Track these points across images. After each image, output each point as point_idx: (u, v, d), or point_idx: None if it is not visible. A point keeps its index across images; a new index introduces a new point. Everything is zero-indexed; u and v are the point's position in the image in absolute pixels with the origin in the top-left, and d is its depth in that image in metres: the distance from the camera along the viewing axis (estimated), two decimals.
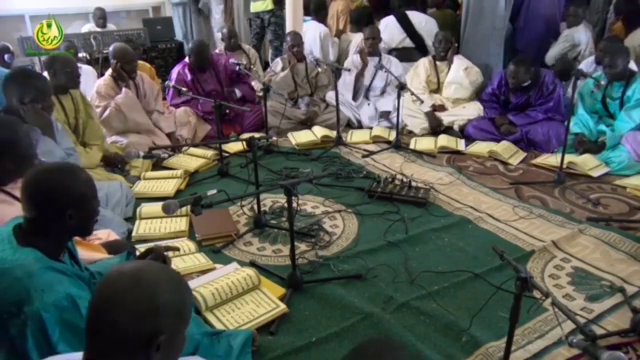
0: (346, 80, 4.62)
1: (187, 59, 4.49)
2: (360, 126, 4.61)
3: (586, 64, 4.32)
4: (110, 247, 2.24)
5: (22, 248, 1.38)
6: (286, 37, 4.60)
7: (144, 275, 0.97)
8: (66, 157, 2.68)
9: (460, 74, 4.49)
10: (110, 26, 6.00)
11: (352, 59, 4.77)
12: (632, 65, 3.95)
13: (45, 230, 1.43)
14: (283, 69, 4.63)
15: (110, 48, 3.89)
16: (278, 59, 4.81)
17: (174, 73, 4.44)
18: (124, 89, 3.77)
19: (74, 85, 3.22)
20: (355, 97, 4.65)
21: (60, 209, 1.41)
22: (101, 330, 0.93)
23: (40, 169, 1.49)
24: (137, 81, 3.93)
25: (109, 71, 3.88)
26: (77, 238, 2.12)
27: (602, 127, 3.77)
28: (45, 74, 3.97)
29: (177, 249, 1.94)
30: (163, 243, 2.58)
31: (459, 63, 4.54)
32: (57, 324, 1.31)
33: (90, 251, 2.08)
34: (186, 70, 4.41)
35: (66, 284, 1.37)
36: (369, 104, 4.66)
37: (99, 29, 5.67)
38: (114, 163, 3.32)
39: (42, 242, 1.42)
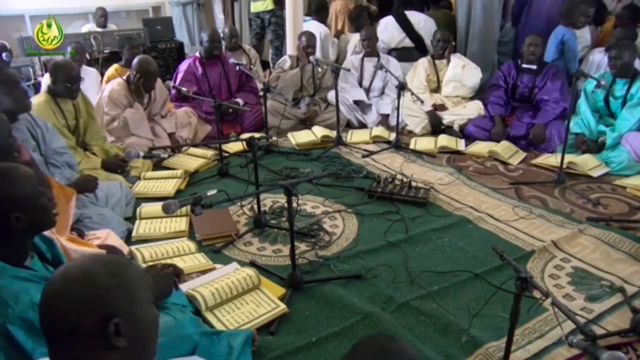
0: (349, 80, 4.63)
1: (197, 53, 4.52)
2: (361, 126, 4.61)
3: (599, 51, 4.40)
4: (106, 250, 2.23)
5: None
6: (300, 37, 4.58)
7: (72, 269, 0.97)
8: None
9: (458, 71, 4.52)
10: (111, 26, 6.00)
11: (351, 59, 4.78)
12: (637, 64, 3.95)
13: None
14: (291, 67, 4.61)
15: (135, 60, 3.77)
16: (286, 57, 4.80)
17: (184, 65, 4.46)
18: (136, 104, 3.76)
19: (71, 97, 3.19)
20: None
21: (3, 216, 1.35)
22: (54, 330, 0.94)
23: None
24: None
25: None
26: (72, 236, 2.13)
27: (602, 127, 3.77)
28: (47, 76, 3.96)
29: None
30: (162, 242, 2.59)
31: (457, 62, 4.57)
32: (27, 335, 1.27)
33: (81, 246, 2.08)
34: (197, 64, 4.44)
35: (33, 292, 1.31)
36: (370, 106, 4.66)
37: (99, 29, 5.67)
38: (114, 169, 3.31)
39: (0, 251, 1.36)
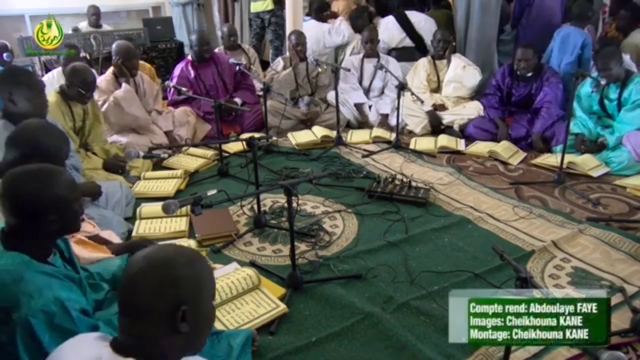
0: (349, 81, 4.63)
1: (189, 57, 4.51)
2: (359, 126, 4.61)
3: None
4: (127, 248, 2.20)
5: (8, 252, 1.36)
6: (290, 36, 4.59)
7: (157, 254, 1.09)
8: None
9: (459, 72, 4.51)
10: (106, 27, 5.98)
11: (351, 59, 4.78)
12: (632, 65, 3.95)
13: (29, 234, 1.40)
14: (284, 68, 4.62)
15: (114, 45, 3.91)
16: (279, 58, 4.81)
17: (177, 70, 4.45)
18: (123, 84, 3.80)
19: (82, 103, 3.22)
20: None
21: (40, 216, 1.39)
22: (128, 308, 1.04)
23: (15, 174, 1.42)
24: (137, 80, 3.95)
25: (111, 69, 3.90)
26: (82, 237, 2.13)
27: (601, 130, 3.76)
28: (49, 74, 3.94)
29: None
30: (162, 243, 2.59)
31: (457, 62, 4.56)
32: (46, 329, 1.29)
33: (93, 251, 2.08)
34: (189, 67, 4.42)
35: (55, 288, 1.34)
36: (370, 107, 4.66)
37: (92, 28, 5.66)
38: (114, 170, 3.31)
39: (27, 245, 1.39)
